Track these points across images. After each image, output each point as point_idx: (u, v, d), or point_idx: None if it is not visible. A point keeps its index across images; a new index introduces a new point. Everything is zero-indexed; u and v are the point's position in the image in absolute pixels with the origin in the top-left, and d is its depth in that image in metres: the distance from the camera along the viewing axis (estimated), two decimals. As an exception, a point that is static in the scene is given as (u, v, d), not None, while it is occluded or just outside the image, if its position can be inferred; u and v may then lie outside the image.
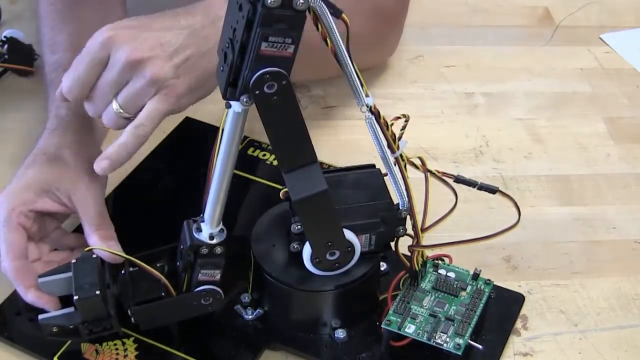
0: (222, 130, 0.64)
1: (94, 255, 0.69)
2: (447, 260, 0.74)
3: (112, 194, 0.84)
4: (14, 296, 0.74)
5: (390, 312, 0.70)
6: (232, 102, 0.62)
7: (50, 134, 0.79)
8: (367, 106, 0.64)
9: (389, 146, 0.66)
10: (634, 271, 0.80)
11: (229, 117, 0.64)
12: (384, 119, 0.65)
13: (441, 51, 1.08)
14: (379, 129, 0.65)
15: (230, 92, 0.61)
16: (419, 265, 0.71)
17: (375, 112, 0.65)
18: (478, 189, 0.71)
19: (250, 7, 0.58)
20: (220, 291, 0.69)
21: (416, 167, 0.69)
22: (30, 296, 0.70)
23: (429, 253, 0.73)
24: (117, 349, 0.70)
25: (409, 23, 1.12)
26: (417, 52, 1.07)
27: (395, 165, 0.67)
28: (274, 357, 0.71)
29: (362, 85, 0.64)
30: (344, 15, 0.61)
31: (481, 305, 0.71)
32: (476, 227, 0.74)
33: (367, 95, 0.64)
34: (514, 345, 0.73)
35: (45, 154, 0.76)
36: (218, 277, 0.68)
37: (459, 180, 0.71)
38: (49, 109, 0.83)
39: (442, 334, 0.68)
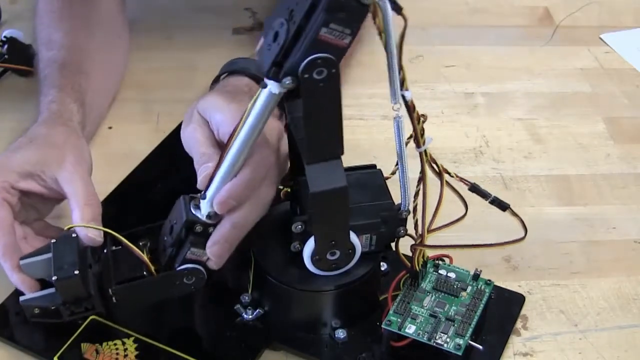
0: (250, 109, 0.63)
1: (74, 235, 0.68)
2: (447, 260, 0.74)
3: (112, 193, 0.84)
4: (14, 296, 0.74)
5: (391, 312, 0.70)
6: (270, 83, 0.61)
7: (39, 124, 0.79)
8: (405, 99, 0.63)
9: (416, 140, 0.65)
10: (634, 271, 0.80)
11: (261, 97, 0.62)
12: (417, 113, 0.64)
13: (441, 51, 1.08)
14: (397, 129, 0.64)
15: (274, 72, 0.60)
16: (420, 265, 0.71)
17: (411, 106, 0.63)
18: (490, 202, 0.71)
19: None
20: (204, 271, 0.67)
21: (436, 167, 0.68)
22: (15, 277, 0.68)
23: (430, 253, 0.73)
24: (117, 349, 0.70)
25: (409, 23, 1.12)
26: (417, 52, 1.08)
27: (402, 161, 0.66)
28: (274, 357, 0.71)
29: (403, 81, 0.62)
30: (404, 12, 0.60)
31: (481, 305, 0.71)
32: (476, 227, 0.74)
33: (407, 89, 0.63)
34: (514, 345, 0.73)
35: (32, 141, 0.76)
36: (205, 258, 0.67)
37: (474, 189, 0.71)
38: (40, 103, 0.83)
39: (442, 334, 0.68)
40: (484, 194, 0.71)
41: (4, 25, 1.07)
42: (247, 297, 0.73)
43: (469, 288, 0.72)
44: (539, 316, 0.75)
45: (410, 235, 0.70)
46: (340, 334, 0.71)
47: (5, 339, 0.71)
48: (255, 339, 0.71)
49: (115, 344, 0.70)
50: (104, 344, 0.70)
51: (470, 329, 0.69)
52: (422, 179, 0.66)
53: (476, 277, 0.73)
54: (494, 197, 0.71)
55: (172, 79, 1.01)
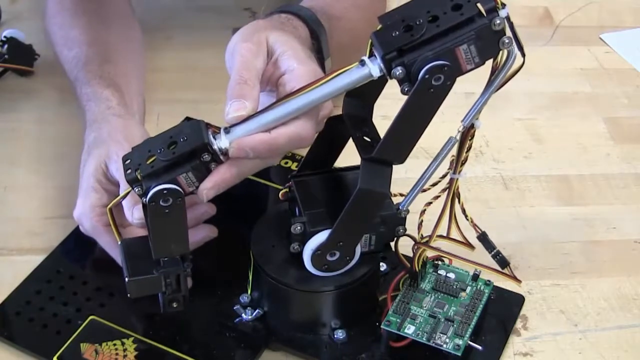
0: (332, 78, 0.63)
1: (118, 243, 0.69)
2: (446, 260, 0.74)
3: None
4: (14, 296, 0.74)
5: (390, 312, 0.70)
6: (370, 65, 0.61)
7: (88, 130, 0.79)
8: (472, 127, 0.65)
9: (456, 166, 0.67)
10: (634, 271, 0.80)
11: (352, 72, 0.62)
12: (471, 143, 0.66)
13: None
14: (447, 146, 0.66)
15: (391, 58, 0.60)
16: (420, 265, 0.71)
17: (471, 135, 0.66)
18: (492, 255, 0.72)
19: (476, 16, 0.59)
20: (182, 193, 0.63)
21: (458, 200, 0.70)
22: None
23: (429, 254, 0.73)
24: (116, 349, 0.70)
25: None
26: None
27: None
28: (274, 357, 0.71)
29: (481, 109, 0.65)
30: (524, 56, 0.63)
31: (481, 306, 0.71)
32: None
33: (477, 119, 0.65)
34: (514, 345, 0.73)
35: (88, 153, 0.77)
36: (190, 189, 0.64)
37: (482, 238, 0.72)
38: (81, 105, 0.83)
39: (441, 335, 0.68)
40: (489, 247, 0.72)
41: (4, 25, 1.07)
42: (246, 298, 0.73)
43: (469, 288, 0.72)
44: (539, 316, 0.75)
45: (409, 236, 0.70)
46: (340, 334, 0.71)
47: (5, 339, 0.71)
48: (255, 339, 0.71)
49: (114, 344, 0.70)
50: (104, 344, 0.70)
51: (470, 330, 0.69)
52: (446, 204, 0.69)
53: (475, 277, 0.73)
54: (497, 250, 0.72)
55: (172, 79, 1.01)
